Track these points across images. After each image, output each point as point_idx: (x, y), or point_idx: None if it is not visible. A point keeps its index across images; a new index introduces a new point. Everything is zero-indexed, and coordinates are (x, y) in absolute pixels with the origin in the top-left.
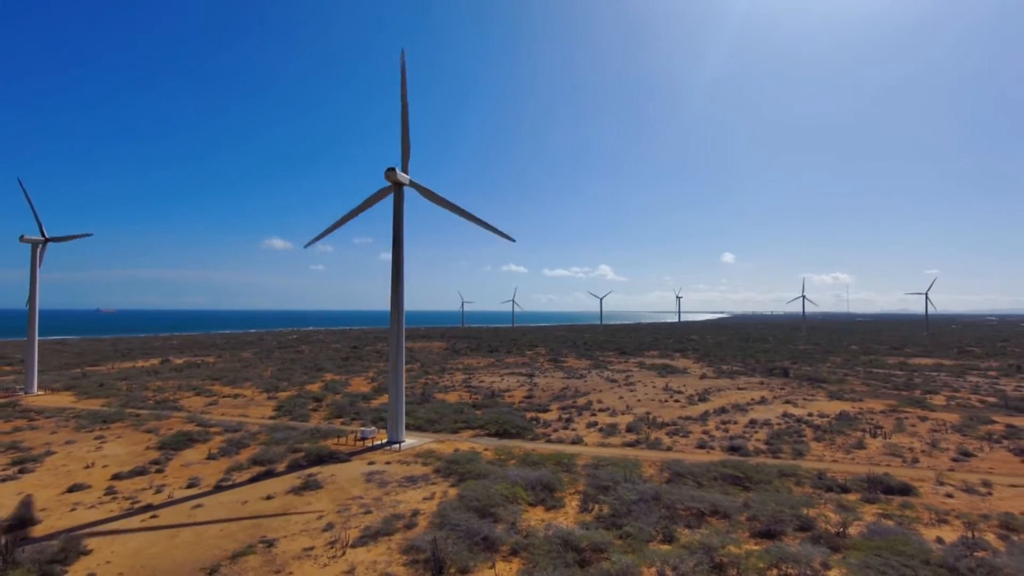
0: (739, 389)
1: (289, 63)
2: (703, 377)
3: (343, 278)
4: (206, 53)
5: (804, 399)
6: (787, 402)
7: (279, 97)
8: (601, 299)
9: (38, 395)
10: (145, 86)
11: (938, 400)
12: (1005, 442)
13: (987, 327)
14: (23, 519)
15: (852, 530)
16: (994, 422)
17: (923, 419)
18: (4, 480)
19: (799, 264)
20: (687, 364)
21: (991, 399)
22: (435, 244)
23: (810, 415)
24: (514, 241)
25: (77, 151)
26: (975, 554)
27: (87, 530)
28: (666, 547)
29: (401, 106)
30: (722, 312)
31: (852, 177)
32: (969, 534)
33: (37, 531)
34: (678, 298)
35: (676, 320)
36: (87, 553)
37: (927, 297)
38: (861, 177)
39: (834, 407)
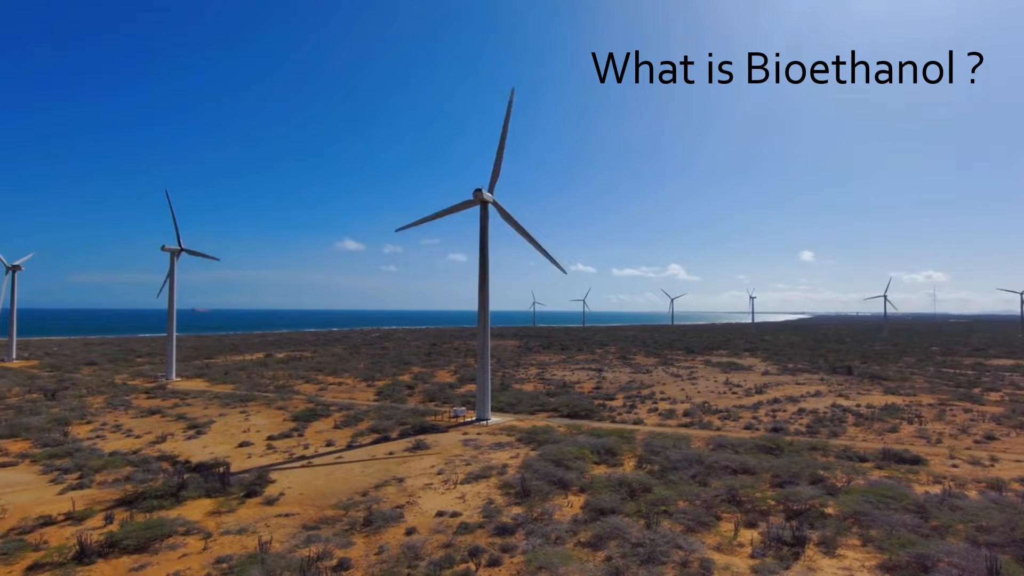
0: (798, 384)
1: (357, 71)
2: (765, 374)
3: (412, 279)
4: (280, 60)
5: (858, 393)
6: (840, 395)
7: (351, 104)
8: (672, 299)
9: (176, 381)
10: (239, 89)
11: (995, 397)
12: None
13: None
14: (218, 461)
15: (854, 484)
16: None
17: (967, 411)
18: (190, 439)
19: (888, 262)
20: (753, 362)
21: None
22: (504, 245)
23: (858, 406)
24: (565, 273)
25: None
26: (948, 501)
27: (266, 468)
28: (699, 488)
29: (501, 136)
30: (802, 312)
31: (947, 170)
32: (952, 488)
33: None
34: (751, 298)
35: (750, 321)
36: (272, 482)
37: (1022, 296)
38: (957, 169)
39: (885, 400)
